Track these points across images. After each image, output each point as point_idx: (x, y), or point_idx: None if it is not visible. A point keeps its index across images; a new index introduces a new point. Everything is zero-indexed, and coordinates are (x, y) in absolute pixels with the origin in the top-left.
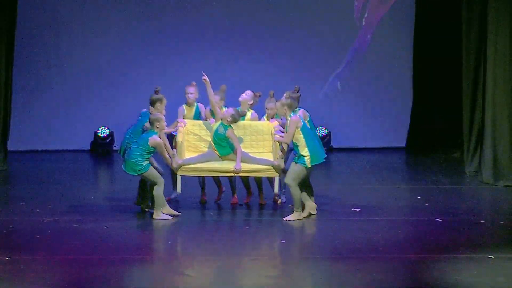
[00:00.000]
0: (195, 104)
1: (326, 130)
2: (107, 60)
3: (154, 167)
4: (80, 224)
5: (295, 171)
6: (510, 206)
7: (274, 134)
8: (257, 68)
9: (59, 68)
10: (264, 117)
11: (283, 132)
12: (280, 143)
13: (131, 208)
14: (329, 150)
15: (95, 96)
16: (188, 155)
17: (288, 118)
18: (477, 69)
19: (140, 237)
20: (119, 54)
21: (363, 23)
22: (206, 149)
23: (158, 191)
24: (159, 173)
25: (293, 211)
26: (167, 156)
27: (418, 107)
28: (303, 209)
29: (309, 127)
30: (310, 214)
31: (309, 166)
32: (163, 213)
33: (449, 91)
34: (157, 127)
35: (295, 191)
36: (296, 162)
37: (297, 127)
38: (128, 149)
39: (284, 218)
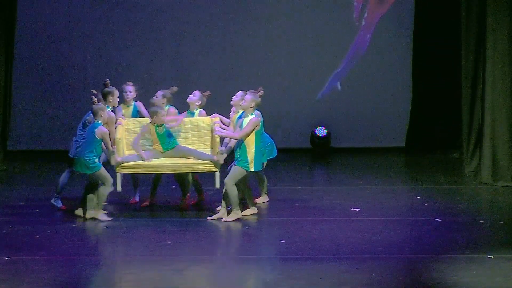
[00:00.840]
0: (133, 102)
1: (325, 130)
2: (109, 58)
3: None
4: (80, 224)
5: (235, 172)
6: (509, 206)
7: (215, 129)
8: (254, 67)
9: (60, 68)
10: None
11: (224, 129)
12: (223, 138)
13: (131, 208)
14: (329, 150)
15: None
16: (128, 153)
17: (249, 116)
18: (476, 69)
19: (141, 237)
20: (122, 53)
21: (363, 23)
22: (146, 147)
23: (105, 191)
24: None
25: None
26: (111, 148)
27: (417, 107)
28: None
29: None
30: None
31: (252, 170)
32: (103, 214)
33: (448, 91)
34: (101, 116)
35: (232, 190)
36: (237, 165)
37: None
38: (78, 148)
39: (223, 219)
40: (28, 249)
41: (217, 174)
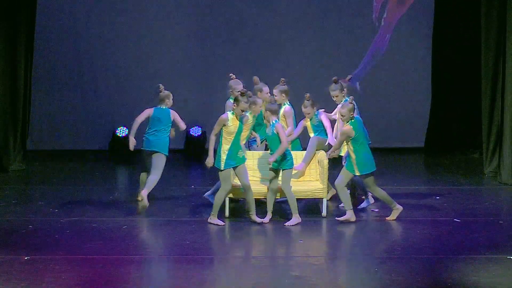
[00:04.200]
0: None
1: None
2: (126, 60)
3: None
4: (98, 224)
5: (343, 175)
6: None
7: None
8: (273, 68)
9: (78, 69)
10: (303, 121)
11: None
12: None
13: (149, 208)
14: None
15: (114, 96)
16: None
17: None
18: (496, 69)
19: (159, 237)
20: (138, 54)
21: (382, 23)
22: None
23: (219, 196)
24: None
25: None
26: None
27: (437, 107)
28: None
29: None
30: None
31: (357, 174)
32: (217, 218)
33: (468, 91)
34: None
35: (342, 193)
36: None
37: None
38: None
39: (337, 218)
40: (47, 249)
41: (324, 201)
